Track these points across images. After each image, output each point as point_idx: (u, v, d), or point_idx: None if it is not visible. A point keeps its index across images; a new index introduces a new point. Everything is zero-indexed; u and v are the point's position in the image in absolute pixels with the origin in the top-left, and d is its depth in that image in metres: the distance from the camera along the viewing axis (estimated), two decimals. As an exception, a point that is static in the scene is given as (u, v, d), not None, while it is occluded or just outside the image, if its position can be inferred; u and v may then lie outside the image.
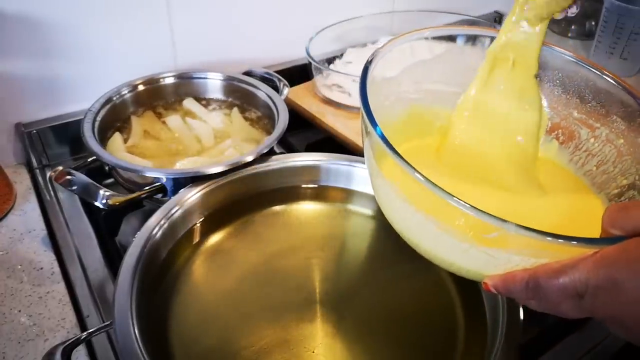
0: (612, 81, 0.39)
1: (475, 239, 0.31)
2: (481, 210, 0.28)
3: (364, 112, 0.34)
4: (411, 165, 0.30)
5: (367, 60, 0.38)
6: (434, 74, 0.45)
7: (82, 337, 0.39)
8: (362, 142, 0.38)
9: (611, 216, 0.29)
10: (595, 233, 0.36)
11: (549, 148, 0.44)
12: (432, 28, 0.43)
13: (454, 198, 0.28)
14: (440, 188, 0.28)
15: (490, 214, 0.27)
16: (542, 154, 0.43)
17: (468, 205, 0.28)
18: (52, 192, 0.62)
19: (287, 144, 0.71)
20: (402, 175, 0.31)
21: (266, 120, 0.67)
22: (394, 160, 0.30)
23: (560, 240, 0.27)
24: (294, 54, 0.82)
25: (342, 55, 0.82)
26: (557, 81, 0.43)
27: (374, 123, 0.32)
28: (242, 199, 0.55)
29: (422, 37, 0.42)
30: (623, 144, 0.39)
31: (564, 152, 0.43)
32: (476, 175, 0.41)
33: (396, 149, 0.31)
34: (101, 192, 0.51)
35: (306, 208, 0.55)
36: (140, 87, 0.67)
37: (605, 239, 0.29)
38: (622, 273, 0.26)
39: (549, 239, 0.27)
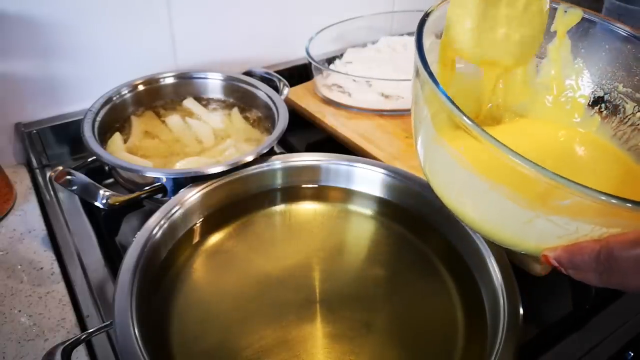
0: None
1: (544, 207, 0.29)
2: (560, 175, 0.26)
3: (424, 74, 0.32)
4: (484, 130, 0.28)
5: (423, 15, 0.36)
6: None
7: (82, 337, 0.39)
8: (414, 110, 0.36)
9: None
10: None
11: (591, 123, 0.43)
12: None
13: (532, 162, 0.27)
14: (517, 153, 0.27)
15: (570, 179, 0.26)
16: (583, 129, 0.42)
17: (546, 170, 0.26)
18: (52, 192, 0.62)
19: (287, 144, 0.71)
20: (471, 141, 0.30)
21: (266, 120, 0.67)
22: (464, 124, 0.29)
23: None
24: (294, 54, 0.82)
25: (342, 55, 0.82)
26: (603, 53, 0.41)
27: (437, 84, 0.31)
28: (242, 199, 0.55)
29: None
30: None
31: (607, 127, 0.42)
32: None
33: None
34: (101, 192, 0.51)
35: (306, 208, 0.55)
36: (140, 87, 0.67)
37: None
38: None
39: (631, 205, 0.26)
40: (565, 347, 0.47)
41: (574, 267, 0.30)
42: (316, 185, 0.57)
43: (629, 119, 0.41)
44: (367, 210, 0.55)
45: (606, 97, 0.42)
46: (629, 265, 0.28)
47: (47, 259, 0.54)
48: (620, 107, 0.42)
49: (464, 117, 0.29)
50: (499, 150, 0.28)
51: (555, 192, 0.28)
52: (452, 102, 0.30)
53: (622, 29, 0.40)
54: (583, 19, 0.41)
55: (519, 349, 0.38)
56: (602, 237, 0.29)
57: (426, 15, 0.36)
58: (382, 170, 0.55)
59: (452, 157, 0.34)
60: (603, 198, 0.26)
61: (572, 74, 0.43)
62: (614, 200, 0.26)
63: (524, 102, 0.44)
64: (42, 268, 0.52)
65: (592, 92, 0.43)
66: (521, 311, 0.41)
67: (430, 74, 0.32)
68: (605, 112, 0.42)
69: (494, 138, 0.28)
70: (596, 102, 0.43)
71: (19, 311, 0.48)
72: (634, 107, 0.41)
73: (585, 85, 0.43)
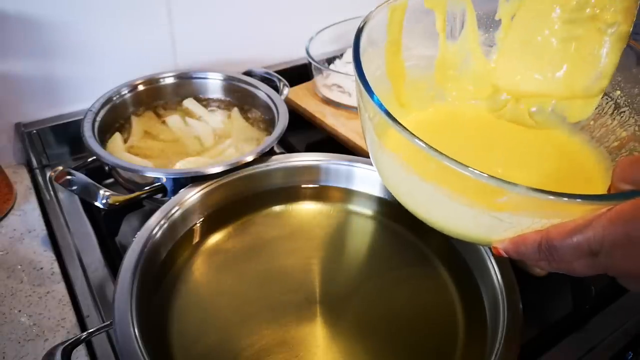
0: None
1: (485, 205, 0.30)
2: (490, 175, 0.27)
3: (360, 85, 0.33)
4: (414, 134, 0.29)
5: (358, 28, 0.37)
6: (424, 38, 0.44)
7: (82, 337, 0.39)
8: (360, 116, 0.37)
9: (623, 171, 0.29)
10: (595, 189, 0.35)
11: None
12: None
13: (462, 164, 0.27)
14: (446, 155, 0.28)
15: (499, 178, 0.27)
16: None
17: (476, 171, 0.27)
18: (52, 192, 0.62)
19: (287, 144, 0.71)
20: (406, 146, 0.31)
21: (266, 120, 0.67)
22: (397, 131, 0.29)
23: (575, 200, 0.27)
24: (294, 54, 0.82)
25: (342, 55, 0.82)
26: None
27: (371, 93, 0.32)
28: (242, 199, 0.55)
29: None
30: (620, 95, 0.39)
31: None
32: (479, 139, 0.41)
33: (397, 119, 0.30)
34: (101, 192, 0.51)
35: (306, 208, 0.55)
36: (140, 87, 0.67)
37: (620, 195, 0.28)
38: (639, 229, 0.26)
39: (565, 199, 0.26)
40: (565, 347, 0.47)
41: (521, 257, 0.31)
42: (316, 185, 0.57)
43: None
44: (367, 210, 0.55)
45: None
46: (569, 253, 0.28)
47: (47, 259, 0.54)
48: None
49: (388, 117, 0.30)
50: (422, 149, 0.28)
51: (488, 190, 0.29)
52: (382, 106, 0.31)
53: None
54: None
55: (519, 348, 0.38)
56: (545, 227, 0.30)
57: (360, 30, 0.37)
58: (382, 170, 0.55)
59: (395, 162, 0.34)
60: (537, 195, 0.27)
61: None
62: (551, 197, 0.27)
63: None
64: (42, 268, 0.52)
65: None
66: (521, 311, 0.41)
67: (365, 83, 0.32)
68: None
69: (416, 136, 0.29)
70: None
71: (19, 311, 0.48)
72: None
73: None
